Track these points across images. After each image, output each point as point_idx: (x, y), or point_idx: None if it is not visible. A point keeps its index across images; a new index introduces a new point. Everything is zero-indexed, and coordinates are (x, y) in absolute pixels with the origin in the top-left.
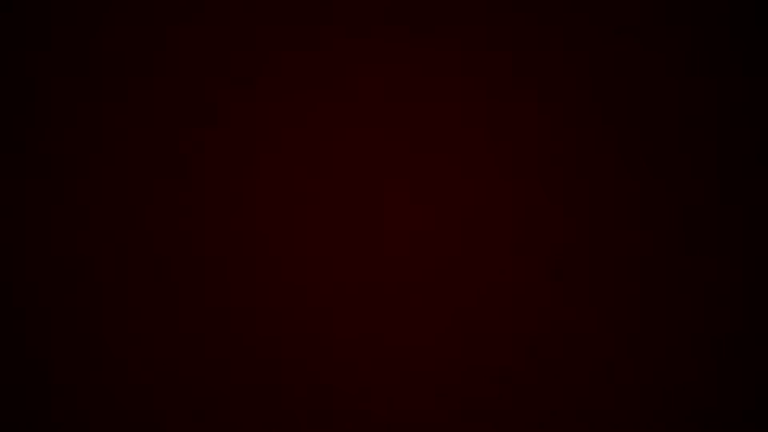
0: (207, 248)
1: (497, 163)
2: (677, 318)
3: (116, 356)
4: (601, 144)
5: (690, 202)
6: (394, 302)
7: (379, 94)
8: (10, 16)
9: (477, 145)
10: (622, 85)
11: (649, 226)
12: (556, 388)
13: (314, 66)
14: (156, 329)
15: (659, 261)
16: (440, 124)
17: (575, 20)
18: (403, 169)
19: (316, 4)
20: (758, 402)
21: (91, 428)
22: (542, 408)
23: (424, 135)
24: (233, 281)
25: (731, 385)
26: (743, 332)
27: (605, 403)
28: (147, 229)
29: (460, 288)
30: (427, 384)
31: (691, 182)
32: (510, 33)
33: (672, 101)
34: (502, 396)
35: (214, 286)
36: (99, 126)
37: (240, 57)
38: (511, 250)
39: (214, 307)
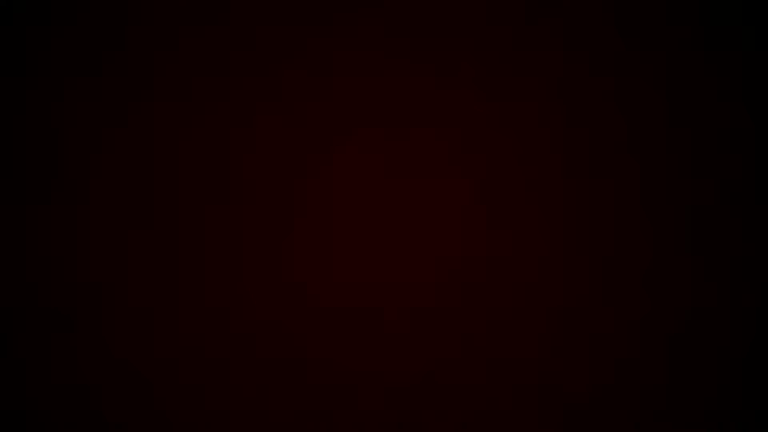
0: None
1: (500, 160)
2: (681, 319)
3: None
4: (609, 141)
5: (689, 201)
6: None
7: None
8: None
9: (479, 143)
10: (624, 85)
11: (649, 225)
12: (559, 387)
13: (307, 65)
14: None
15: (659, 259)
16: (441, 123)
17: (578, 20)
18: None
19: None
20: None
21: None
22: (545, 407)
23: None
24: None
25: (732, 387)
26: (744, 333)
27: (609, 403)
28: (150, 229)
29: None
30: (431, 384)
31: (690, 182)
32: (509, 32)
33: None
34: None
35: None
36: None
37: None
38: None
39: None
